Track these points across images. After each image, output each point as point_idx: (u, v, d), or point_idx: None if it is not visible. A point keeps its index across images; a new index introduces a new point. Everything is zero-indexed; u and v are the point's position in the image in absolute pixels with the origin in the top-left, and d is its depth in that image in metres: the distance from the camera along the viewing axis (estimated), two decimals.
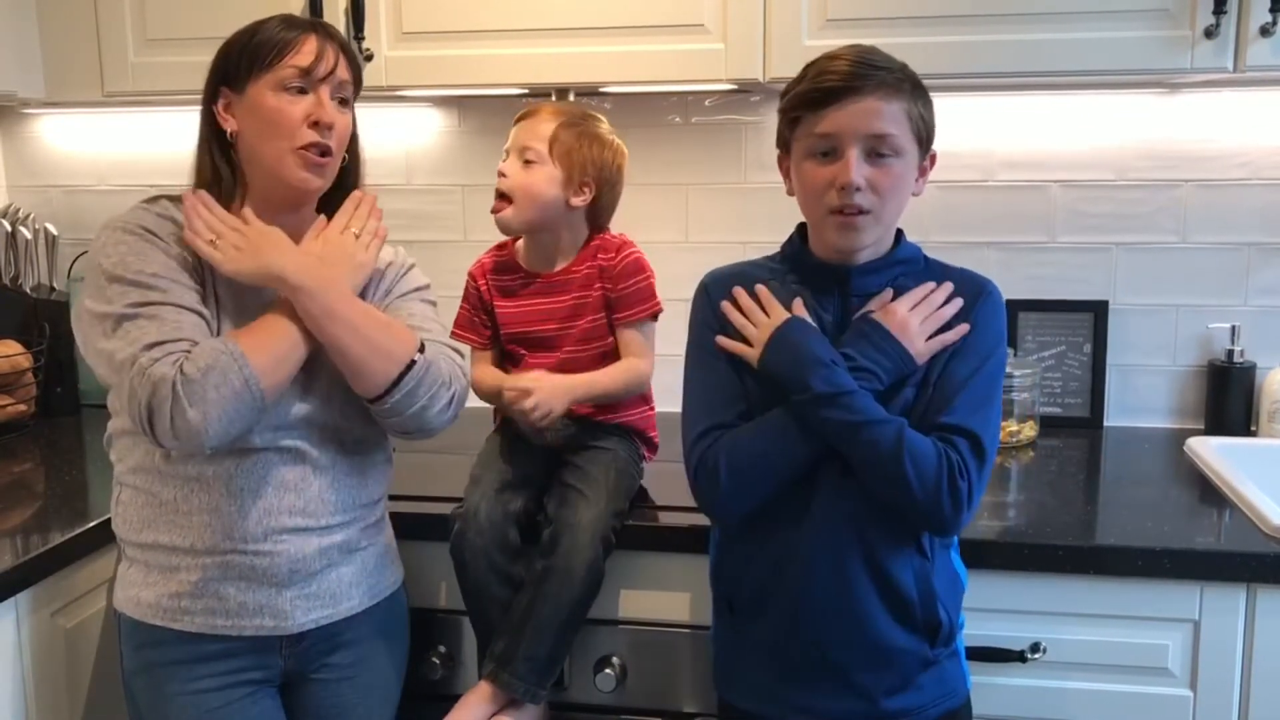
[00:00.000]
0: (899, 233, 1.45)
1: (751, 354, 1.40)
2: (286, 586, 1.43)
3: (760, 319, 1.41)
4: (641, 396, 1.77)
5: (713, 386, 1.45)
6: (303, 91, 1.40)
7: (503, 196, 1.67)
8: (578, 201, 1.67)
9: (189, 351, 1.31)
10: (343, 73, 1.43)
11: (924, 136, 1.37)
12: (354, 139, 1.52)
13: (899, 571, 1.37)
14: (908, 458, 1.30)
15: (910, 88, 1.35)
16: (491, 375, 1.73)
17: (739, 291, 1.44)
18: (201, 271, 1.41)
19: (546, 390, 1.61)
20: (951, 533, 1.39)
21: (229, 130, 1.42)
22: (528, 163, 1.66)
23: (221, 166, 1.43)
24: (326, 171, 1.44)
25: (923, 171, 1.40)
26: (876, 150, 1.33)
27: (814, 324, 1.40)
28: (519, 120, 1.70)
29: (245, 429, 1.35)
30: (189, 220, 1.38)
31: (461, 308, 1.79)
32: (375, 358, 1.38)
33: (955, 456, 1.33)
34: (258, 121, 1.40)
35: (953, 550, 1.46)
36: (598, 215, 1.72)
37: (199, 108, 1.45)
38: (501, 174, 1.67)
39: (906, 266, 1.43)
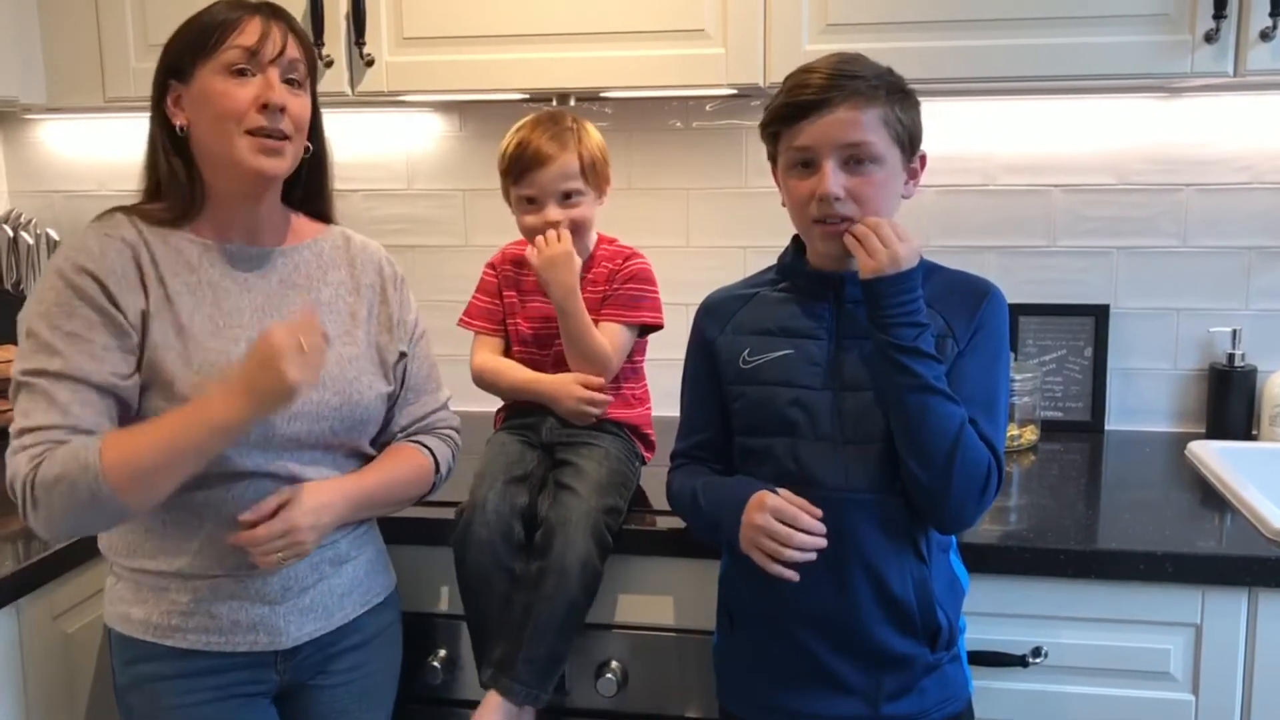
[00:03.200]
0: None
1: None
2: (279, 603, 1.41)
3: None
4: (635, 396, 1.79)
5: (687, 411, 1.55)
6: (250, 74, 1.33)
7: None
8: (604, 202, 1.74)
9: (52, 448, 1.25)
10: (293, 52, 1.36)
11: (906, 140, 1.37)
12: (317, 128, 1.45)
13: (897, 579, 1.37)
14: (962, 449, 1.32)
15: (886, 93, 1.34)
16: (496, 362, 1.76)
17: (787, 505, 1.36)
18: (144, 296, 1.33)
19: (568, 248, 1.64)
20: (955, 533, 1.40)
21: (179, 125, 1.35)
22: (568, 197, 1.68)
23: (177, 166, 1.36)
24: (285, 155, 1.36)
25: (912, 174, 1.40)
26: (854, 158, 1.34)
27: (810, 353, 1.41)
28: (533, 169, 1.66)
29: (109, 527, 1.35)
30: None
31: (474, 299, 1.81)
32: (406, 502, 1.54)
33: (994, 465, 1.35)
34: (206, 110, 1.33)
35: (951, 552, 1.45)
36: None
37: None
38: (553, 221, 1.66)
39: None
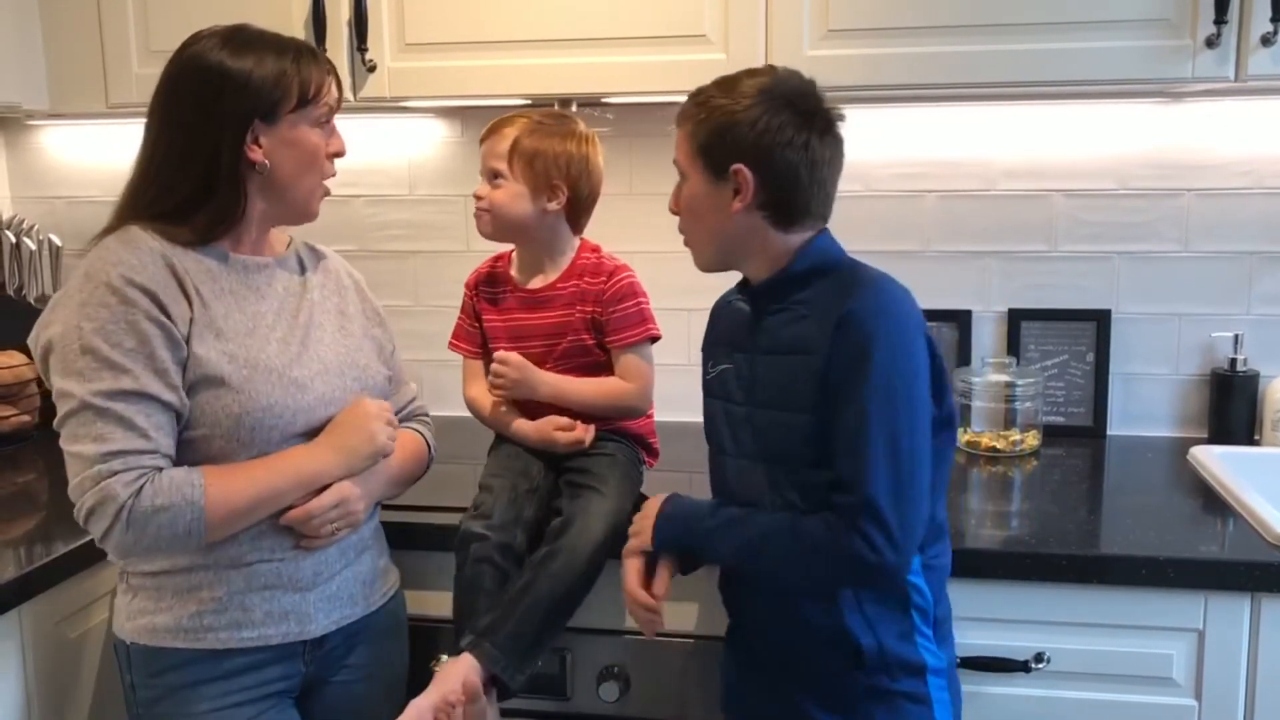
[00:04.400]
0: (816, 245, 1.38)
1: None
2: (310, 589, 1.44)
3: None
4: None
5: None
6: (325, 126, 1.45)
7: (484, 212, 1.71)
8: (552, 206, 1.68)
9: (152, 475, 1.30)
10: None
11: (711, 157, 1.34)
12: None
13: (807, 597, 1.37)
14: (802, 562, 1.31)
15: (695, 109, 1.37)
16: (486, 398, 1.76)
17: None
18: (188, 305, 1.36)
19: (518, 367, 1.67)
20: (882, 586, 1.34)
21: (259, 162, 1.39)
22: (495, 177, 1.68)
23: (235, 195, 1.39)
24: None
25: (736, 192, 1.34)
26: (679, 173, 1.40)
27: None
28: (482, 140, 1.72)
29: (169, 555, 1.38)
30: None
31: (459, 318, 1.81)
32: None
33: (854, 539, 1.26)
34: (296, 155, 1.42)
35: (909, 574, 1.35)
36: (578, 213, 1.72)
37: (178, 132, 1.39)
38: (477, 195, 1.70)
39: (809, 278, 1.36)
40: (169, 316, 1.34)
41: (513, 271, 1.77)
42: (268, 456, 1.38)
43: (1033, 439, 2.06)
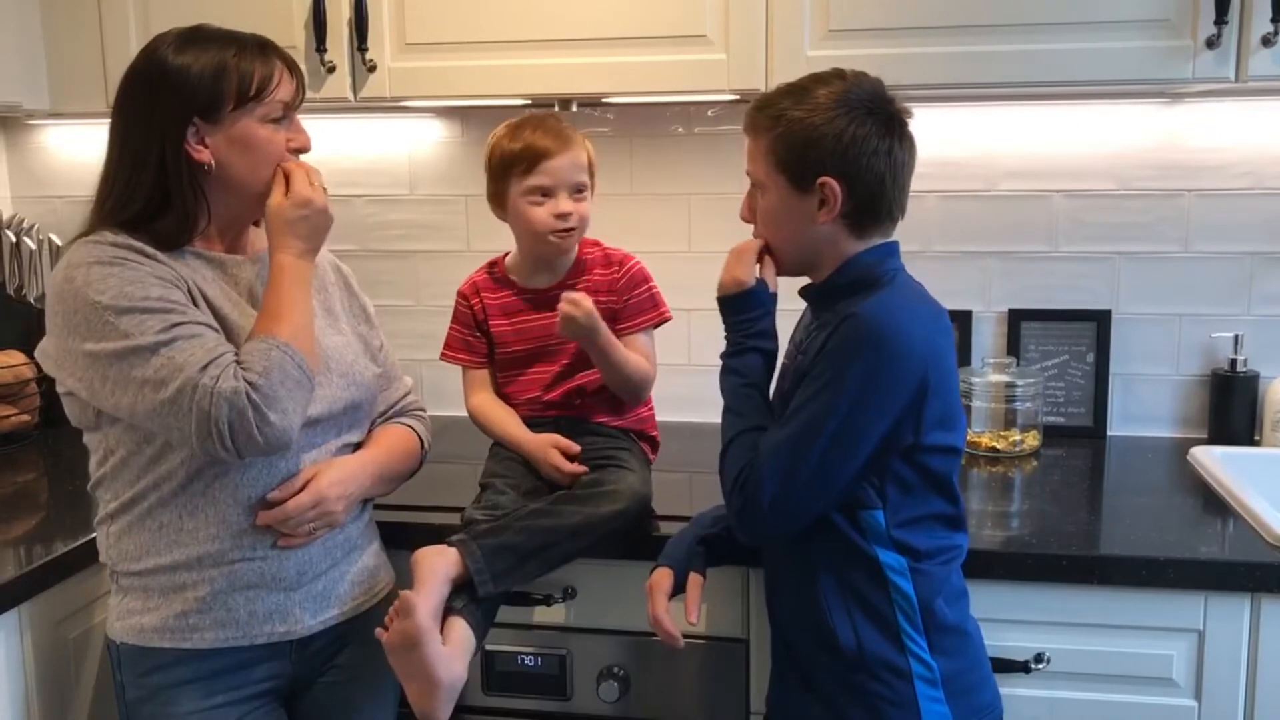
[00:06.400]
0: (863, 258, 1.38)
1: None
2: (295, 589, 1.43)
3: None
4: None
5: None
6: (281, 122, 1.42)
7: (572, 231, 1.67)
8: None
9: (239, 361, 1.30)
10: (299, 96, 1.46)
11: (795, 170, 1.34)
12: None
13: (793, 581, 1.39)
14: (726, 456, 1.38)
15: (770, 122, 1.35)
16: (490, 407, 1.75)
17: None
18: (184, 282, 1.38)
19: (587, 312, 1.60)
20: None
21: (206, 162, 1.37)
22: (579, 190, 1.67)
23: (195, 196, 1.38)
24: None
25: (822, 203, 1.34)
26: (752, 183, 1.41)
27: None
28: (548, 157, 1.64)
29: (306, 410, 1.37)
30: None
31: (452, 329, 1.78)
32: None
33: (737, 491, 1.34)
34: (249, 153, 1.39)
35: (896, 576, 1.34)
36: None
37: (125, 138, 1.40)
38: (564, 213, 1.64)
39: (850, 289, 1.36)
40: (168, 274, 1.35)
41: (513, 276, 1.76)
42: (270, 287, 1.37)
43: (1033, 439, 2.06)
